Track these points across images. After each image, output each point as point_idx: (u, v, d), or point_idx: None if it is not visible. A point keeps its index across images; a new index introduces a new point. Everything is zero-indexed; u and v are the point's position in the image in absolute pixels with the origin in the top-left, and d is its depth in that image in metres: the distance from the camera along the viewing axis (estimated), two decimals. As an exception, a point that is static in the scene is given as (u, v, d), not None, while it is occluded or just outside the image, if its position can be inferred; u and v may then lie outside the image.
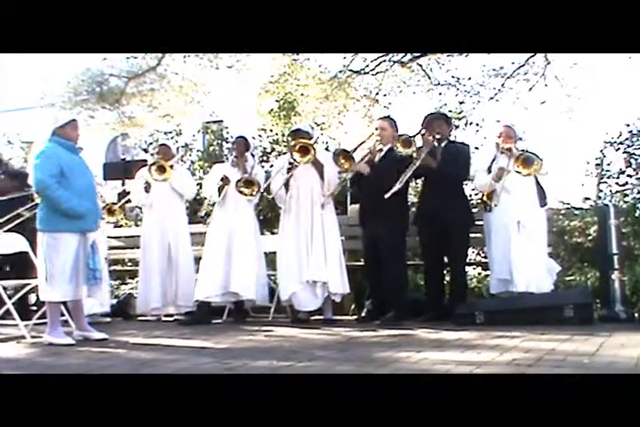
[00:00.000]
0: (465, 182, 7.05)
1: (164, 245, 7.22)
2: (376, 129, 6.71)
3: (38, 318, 5.99)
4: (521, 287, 6.12)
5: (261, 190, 6.91)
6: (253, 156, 7.25)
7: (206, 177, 7.51)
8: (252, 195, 6.73)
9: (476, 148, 9.24)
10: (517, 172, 6.14)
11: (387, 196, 6.09)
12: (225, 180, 6.83)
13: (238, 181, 6.71)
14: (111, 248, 8.37)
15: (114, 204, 7.72)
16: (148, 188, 7.30)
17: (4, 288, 5.82)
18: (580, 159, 9.26)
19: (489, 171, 6.39)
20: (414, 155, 6.38)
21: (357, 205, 7.03)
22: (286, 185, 6.67)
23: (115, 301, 7.88)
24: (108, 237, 7.97)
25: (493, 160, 6.40)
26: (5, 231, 6.61)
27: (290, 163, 6.60)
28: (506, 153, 6.32)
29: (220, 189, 6.86)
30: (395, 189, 6.12)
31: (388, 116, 7.16)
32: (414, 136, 6.61)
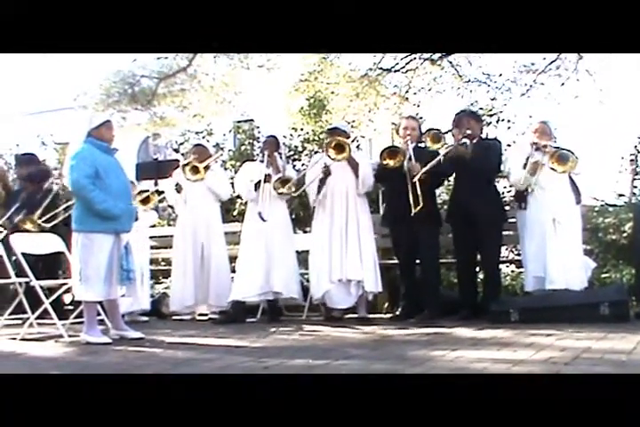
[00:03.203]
0: (497, 180, 7.01)
1: (197, 244, 7.23)
2: (405, 129, 6.67)
3: (75, 318, 6.05)
4: (557, 285, 6.06)
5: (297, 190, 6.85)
6: (280, 154, 7.19)
7: (237, 175, 7.46)
8: (290, 191, 6.75)
9: (508, 144, 9.18)
10: (552, 169, 6.08)
11: (415, 179, 6.09)
12: (267, 177, 6.74)
13: (275, 181, 6.69)
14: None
15: (145, 191, 7.63)
16: (179, 189, 7.31)
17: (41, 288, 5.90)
18: (614, 155, 9.19)
19: (524, 167, 6.30)
20: (441, 150, 6.37)
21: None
22: (320, 185, 6.63)
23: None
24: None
25: (528, 157, 6.32)
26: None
27: (325, 166, 6.54)
28: (541, 150, 6.26)
29: (257, 185, 6.78)
30: (423, 170, 6.12)
31: (415, 116, 7.15)
32: (445, 133, 6.58)
